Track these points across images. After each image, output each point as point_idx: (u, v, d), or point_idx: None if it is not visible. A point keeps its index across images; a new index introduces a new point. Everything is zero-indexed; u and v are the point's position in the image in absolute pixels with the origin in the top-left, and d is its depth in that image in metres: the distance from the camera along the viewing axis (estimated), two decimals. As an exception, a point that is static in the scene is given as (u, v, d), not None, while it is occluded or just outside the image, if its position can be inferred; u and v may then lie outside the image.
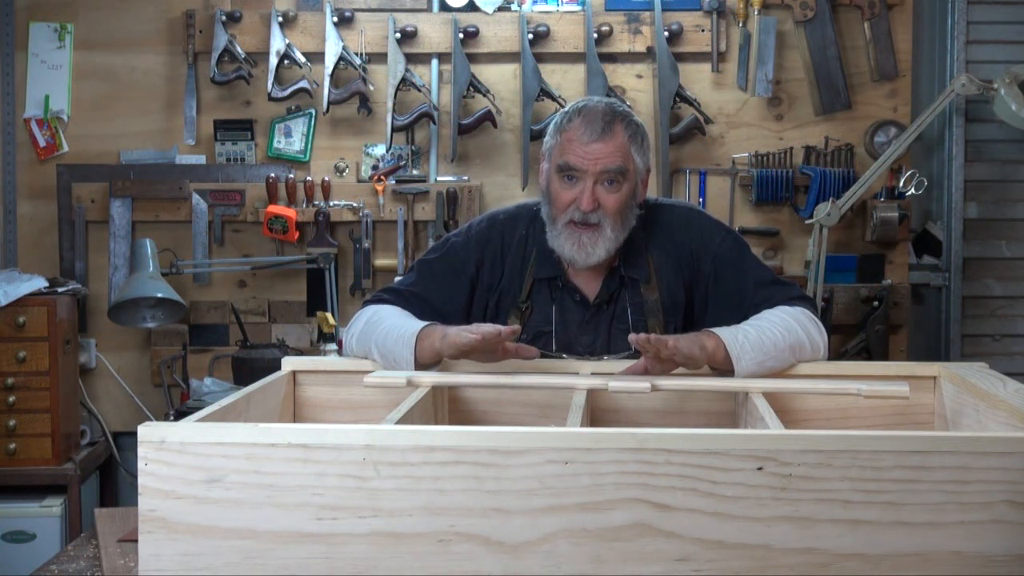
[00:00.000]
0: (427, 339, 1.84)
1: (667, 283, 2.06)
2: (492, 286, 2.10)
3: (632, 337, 1.72)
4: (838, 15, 3.60)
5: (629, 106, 2.16)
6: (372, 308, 2.04)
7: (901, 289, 3.58)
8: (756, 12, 3.56)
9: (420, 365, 1.83)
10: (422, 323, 1.90)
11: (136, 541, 1.33)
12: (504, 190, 3.64)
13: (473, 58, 3.59)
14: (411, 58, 3.58)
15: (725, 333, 1.82)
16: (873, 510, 1.22)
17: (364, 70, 3.56)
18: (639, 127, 2.04)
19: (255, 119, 3.64)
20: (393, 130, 3.55)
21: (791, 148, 3.61)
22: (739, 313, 1.96)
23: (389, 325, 1.93)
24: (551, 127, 2.09)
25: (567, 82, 3.62)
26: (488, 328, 1.75)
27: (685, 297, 2.07)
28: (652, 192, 2.38)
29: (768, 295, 1.99)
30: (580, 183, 2.00)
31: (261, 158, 3.66)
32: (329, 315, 3.30)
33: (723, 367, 1.80)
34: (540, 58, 3.59)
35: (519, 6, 3.60)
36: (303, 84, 3.54)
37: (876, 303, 3.51)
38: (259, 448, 1.24)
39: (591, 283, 2.09)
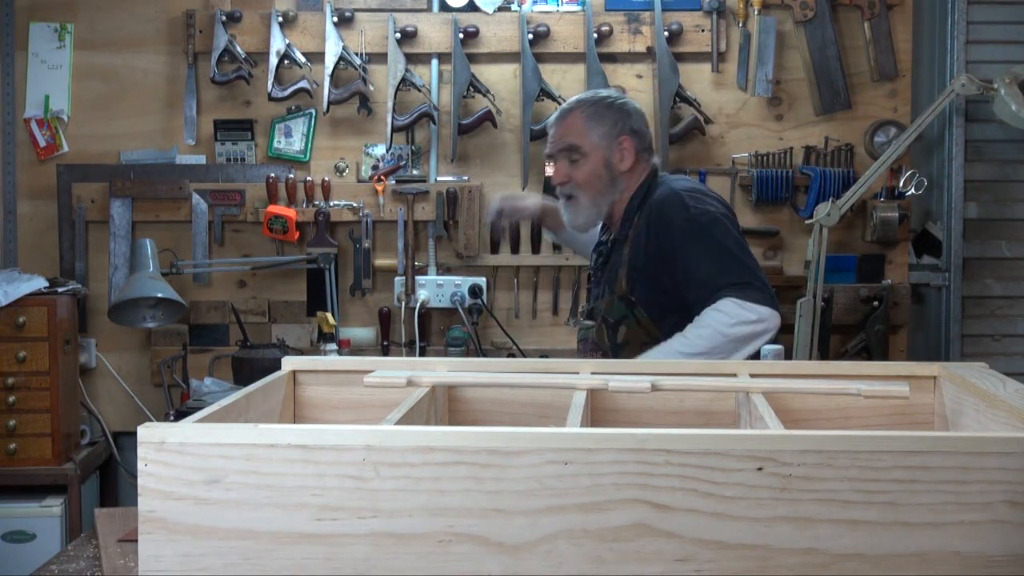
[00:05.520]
0: None
1: (638, 247, 2.39)
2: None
3: None
4: (838, 15, 3.60)
5: (619, 96, 2.57)
6: None
7: (901, 289, 3.58)
8: (756, 12, 3.56)
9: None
10: None
11: (136, 541, 1.33)
12: (504, 190, 3.64)
13: (473, 58, 3.59)
14: (411, 58, 3.58)
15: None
16: (873, 510, 1.22)
17: (364, 70, 3.56)
18: (601, 107, 2.46)
19: (255, 119, 3.64)
20: (393, 130, 3.55)
21: (791, 148, 3.61)
22: (685, 305, 2.30)
23: None
24: None
25: (567, 82, 3.62)
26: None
27: (653, 269, 2.36)
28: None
29: (703, 297, 2.27)
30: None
31: (261, 158, 3.66)
32: (329, 315, 3.30)
33: None
34: (540, 58, 3.59)
35: (519, 6, 3.60)
36: (303, 84, 3.54)
37: (876, 303, 3.51)
38: (259, 449, 1.24)
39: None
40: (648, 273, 2.35)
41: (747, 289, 2.25)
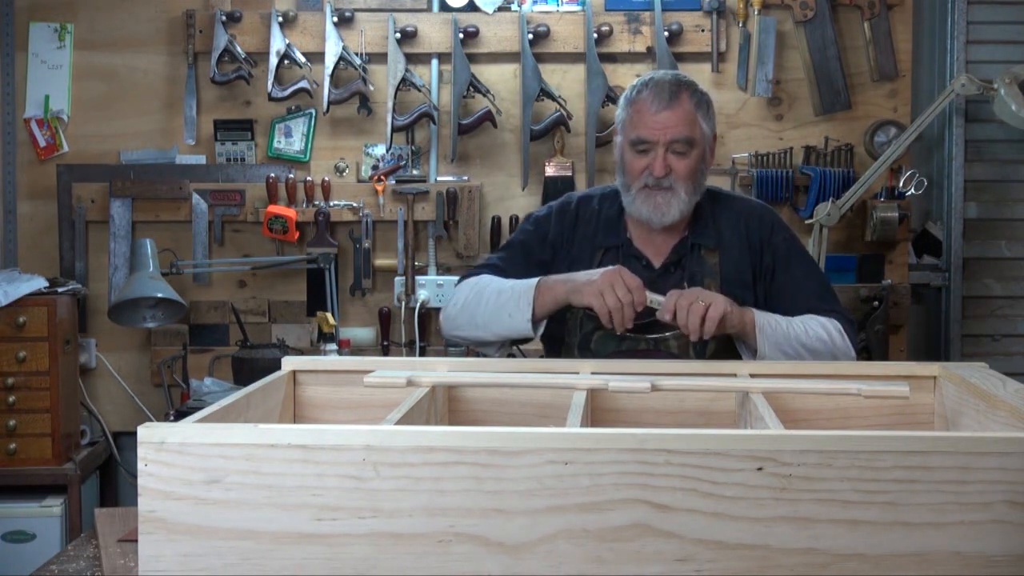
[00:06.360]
0: (547, 290, 2.06)
1: (733, 257, 2.20)
2: (564, 256, 2.25)
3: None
4: (838, 15, 3.60)
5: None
6: (473, 279, 2.21)
7: (901, 289, 3.58)
8: (756, 12, 3.56)
9: (537, 317, 2.08)
10: (535, 278, 2.10)
11: (136, 541, 1.33)
12: (504, 190, 3.65)
13: (473, 58, 3.59)
14: (411, 58, 3.58)
15: (759, 316, 2.05)
16: (873, 510, 1.22)
17: (364, 70, 3.56)
18: (704, 95, 2.21)
19: (255, 119, 3.64)
20: (393, 130, 3.55)
21: (791, 148, 3.61)
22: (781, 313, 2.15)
23: (499, 286, 2.14)
24: (621, 101, 2.23)
25: (567, 82, 3.62)
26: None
27: (752, 280, 2.20)
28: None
29: (808, 309, 2.15)
30: (652, 152, 2.14)
31: (261, 158, 3.66)
32: (329, 315, 3.30)
33: (747, 339, 2.05)
34: (540, 58, 3.59)
35: (519, 6, 3.60)
36: (303, 84, 3.54)
37: (876, 303, 3.51)
38: (259, 449, 1.24)
39: (659, 249, 2.22)
40: (748, 286, 2.19)
41: (853, 329, 2.15)
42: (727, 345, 2.12)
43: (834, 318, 2.13)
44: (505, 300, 2.11)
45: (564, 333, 2.21)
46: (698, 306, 1.91)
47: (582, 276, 2.04)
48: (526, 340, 2.21)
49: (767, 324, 2.04)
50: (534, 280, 2.11)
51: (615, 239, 2.24)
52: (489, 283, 2.18)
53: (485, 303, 2.13)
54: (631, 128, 2.16)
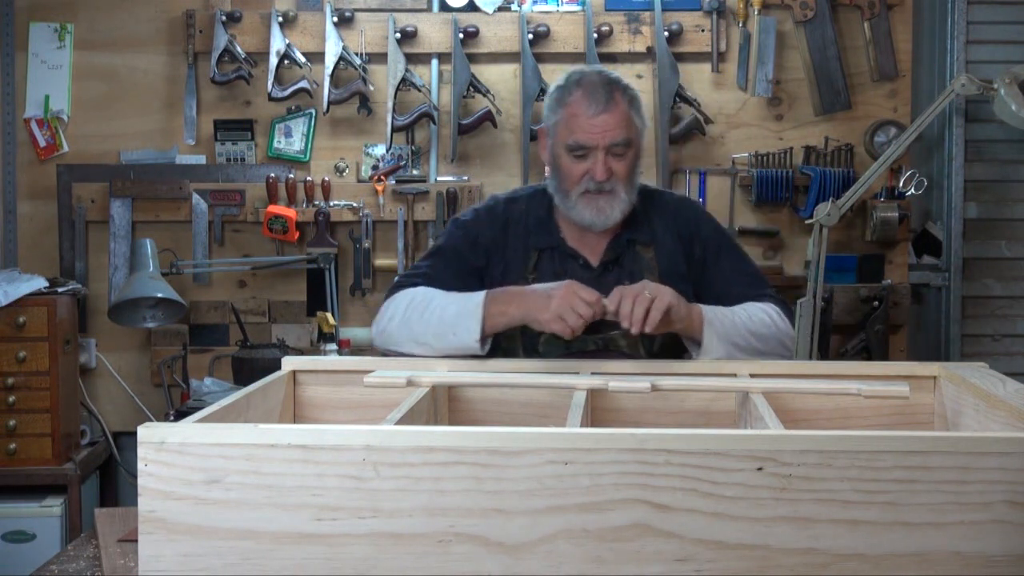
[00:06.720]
0: (500, 313, 1.96)
1: (667, 251, 2.18)
2: (498, 261, 2.18)
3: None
4: (838, 15, 3.60)
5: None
6: (408, 292, 2.11)
7: (901, 289, 3.58)
8: (756, 12, 3.56)
9: (486, 335, 1.97)
10: (480, 293, 2.01)
11: (136, 541, 1.33)
12: (504, 190, 3.64)
13: (473, 58, 3.59)
14: (411, 58, 3.58)
15: (707, 311, 2.01)
16: (873, 510, 1.22)
17: (364, 70, 3.56)
18: (633, 90, 2.14)
19: (255, 119, 3.64)
20: (393, 130, 3.55)
21: (791, 148, 3.61)
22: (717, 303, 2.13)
23: (441, 302, 2.03)
24: (550, 102, 2.17)
25: (567, 82, 3.62)
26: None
27: (687, 272, 2.18)
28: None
29: (741, 298, 2.14)
30: (591, 156, 2.08)
31: (261, 158, 3.66)
32: (329, 315, 3.30)
33: (694, 335, 1.99)
34: (540, 58, 3.59)
35: (519, 6, 3.60)
36: (303, 84, 3.54)
37: (876, 303, 3.51)
38: (259, 449, 1.24)
39: (594, 248, 2.17)
40: (685, 278, 2.16)
41: (787, 310, 2.16)
42: (676, 340, 2.07)
43: (769, 302, 2.13)
44: (451, 318, 1.98)
45: (502, 339, 2.10)
46: (644, 298, 1.86)
47: (535, 297, 1.93)
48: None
49: (716, 318, 2.01)
50: (479, 296, 2.00)
51: (548, 240, 2.17)
52: (429, 298, 2.06)
53: (427, 320, 2.01)
54: (567, 132, 2.10)
